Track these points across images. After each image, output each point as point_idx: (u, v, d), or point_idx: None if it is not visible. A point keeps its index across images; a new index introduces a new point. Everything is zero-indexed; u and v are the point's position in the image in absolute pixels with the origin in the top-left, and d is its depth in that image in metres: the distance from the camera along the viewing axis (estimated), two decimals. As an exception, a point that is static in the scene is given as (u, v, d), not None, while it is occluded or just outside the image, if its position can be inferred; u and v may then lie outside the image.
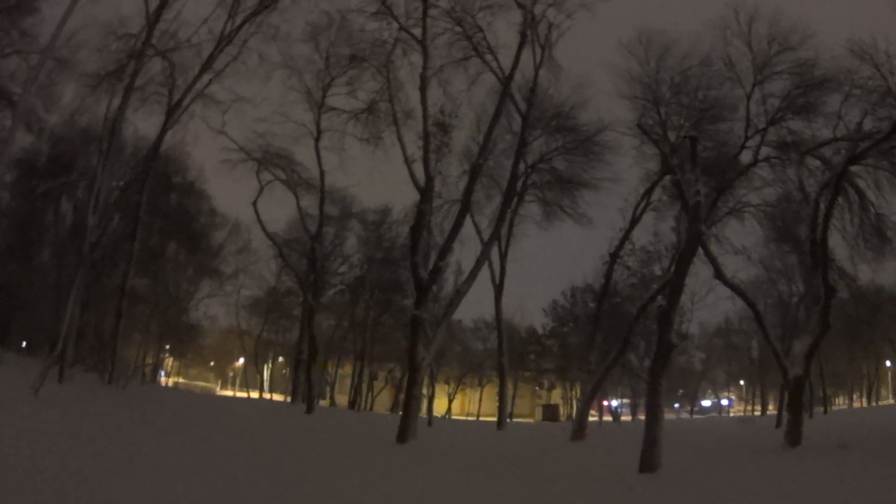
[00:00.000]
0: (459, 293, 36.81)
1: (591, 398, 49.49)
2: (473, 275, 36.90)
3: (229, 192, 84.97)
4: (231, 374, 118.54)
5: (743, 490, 19.60)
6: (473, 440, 39.59)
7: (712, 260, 37.89)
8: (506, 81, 37.45)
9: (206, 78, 46.69)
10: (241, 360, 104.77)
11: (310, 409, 51.48)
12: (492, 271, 56.37)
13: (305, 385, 55.47)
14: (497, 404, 57.32)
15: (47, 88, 44.71)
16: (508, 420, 63.91)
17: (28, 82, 33.33)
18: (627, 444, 25.01)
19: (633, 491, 19.49)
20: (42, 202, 51.46)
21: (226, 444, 23.96)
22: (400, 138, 37.01)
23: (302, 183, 57.30)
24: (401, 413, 32.95)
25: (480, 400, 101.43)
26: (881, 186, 38.77)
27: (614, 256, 48.35)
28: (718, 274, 37.91)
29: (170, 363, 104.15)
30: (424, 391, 67.00)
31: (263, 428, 33.68)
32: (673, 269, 31.49)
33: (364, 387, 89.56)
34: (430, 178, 35.14)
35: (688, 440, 40.87)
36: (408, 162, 35.57)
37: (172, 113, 46.74)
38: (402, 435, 30.81)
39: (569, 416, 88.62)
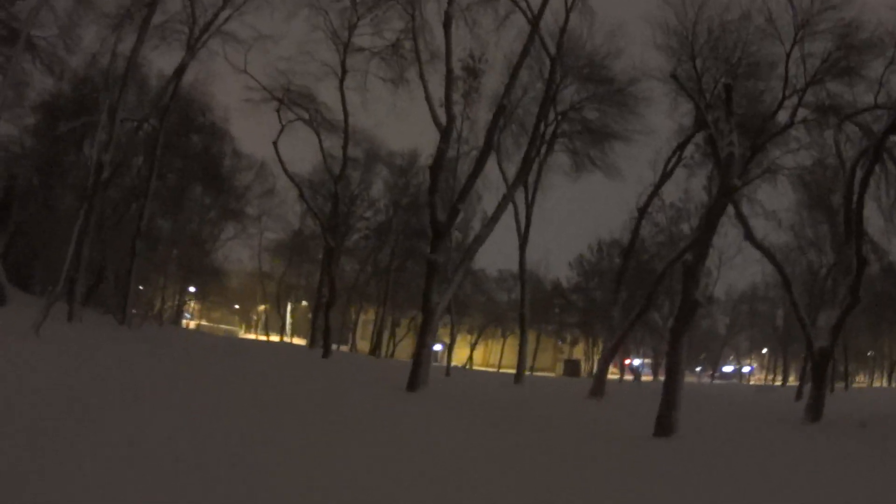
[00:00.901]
0: (479, 238, 35.87)
1: (611, 356, 48.96)
2: (494, 220, 35.86)
3: (254, 133, 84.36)
4: (254, 317, 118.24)
5: (759, 462, 18.61)
6: (488, 392, 38.69)
7: (743, 220, 36.97)
8: (534, 20, 36.01)
9: (225, 14, 46.56)
10: (265, 305, 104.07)
11: (326, 354, 50.82)
12: (517, 221, 55.42)
13: (323, 329, 54.63)
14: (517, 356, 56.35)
15: (69, 29, 43.73)
16: (529, 373, 63.37)
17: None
18: (645, 405, 24.12)
19: (645, 455, 18.51)
20: (64, 144, 50.80)
21: (225, 386, 23.25)
22: (422, 76, 35.80)
23: (325, 123, 56.50)
24: (412, 360, 32.08)
25: (502, 351, 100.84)
26: None
27: (643, 211, 47.40)
28: (748, 234, 37.00)
29: (192, 306, 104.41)
30: (446, 339, 66.97)
31: (271, 370, 32.86)
32: (701, 224, 30.29)
33: (386, 333, 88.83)
34: (451, 118, 34.06)
35: (706, 405, 40.00)
36: (429, 100, 34.32)
37: (192, 49, 46.36)
38: (413, 383, 30.02)
39: (590, 372, 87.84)
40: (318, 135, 56.18)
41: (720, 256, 53.74)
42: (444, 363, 60.04)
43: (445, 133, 33.60)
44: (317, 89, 54.74)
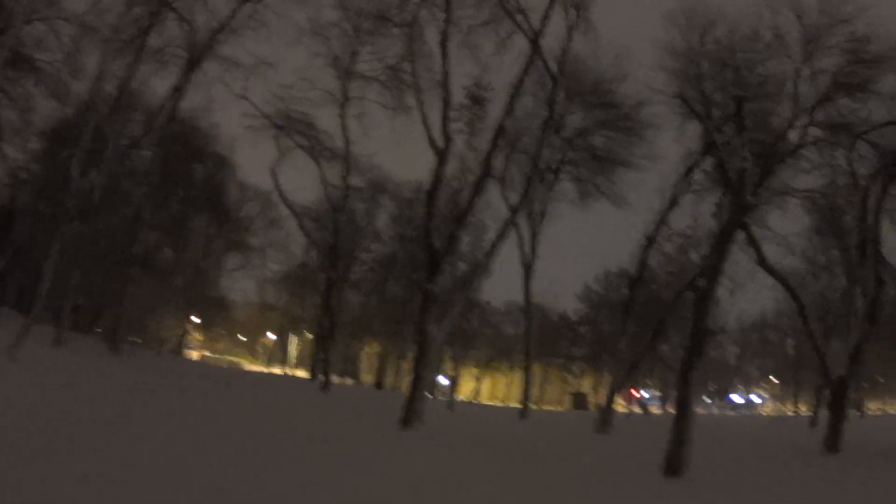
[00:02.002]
0: (479, 267, 35.20)
1: (619, 388, 47.47)
2: (495, 248, 34.79)
3: (260, 163, 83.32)
4: (259, 349, 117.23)
5: (778, 501, 17.26)
6: (489, 428, 37.49)
7: (755, 243, 35.52)
8: (535, 38, 34.85)
9: (223, 37, 45.54)
10: (270, 336, 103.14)
11: (325, 387, 49.83)
12: (522, 251, 53.91)
13: (323, 362, 53.34)
14: (531, 386, 55.28)
15: (73, 55, 42.87)
16: (535, 407, 62.24)
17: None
18: (654, 439, 22.50)
19: (655, 498, 17.10)
20: (67, 169, 50.34)
21: (215, 421, 22.15)
22: (419, 99, 34.61)
23: (325, 151, 55.27)
24: (407, 395, 30.48)
25: (509, 385, 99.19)
26: None
27: (651, 239, 45.97)
28: (761, 259, 35.57)
29: (196, 336, 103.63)
30: (452, 373, 65.92)
31: (260, 404, 31.57)
32: (713, 249, 28.78)
33: (391, 367, 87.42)
34: (448, 140, 32.78)
35: (718, 439, 38.67)
36: (426, 123, 33.15)
37: (189, 71, 45.50)
38: (408, 419, 28.39)
39: (598, 406, 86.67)
40: (317, 163, 55.09)
41: (731, 287, 52.12)
42: (447, 397, 58.62)
43: (442, 156, 32.47)
44: (317, 117, 53.70)
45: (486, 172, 33.65)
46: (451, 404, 55.12)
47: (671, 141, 46.36)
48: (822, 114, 37.59)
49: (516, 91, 33.99)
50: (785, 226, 43.14)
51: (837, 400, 32.98)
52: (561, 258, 76.71)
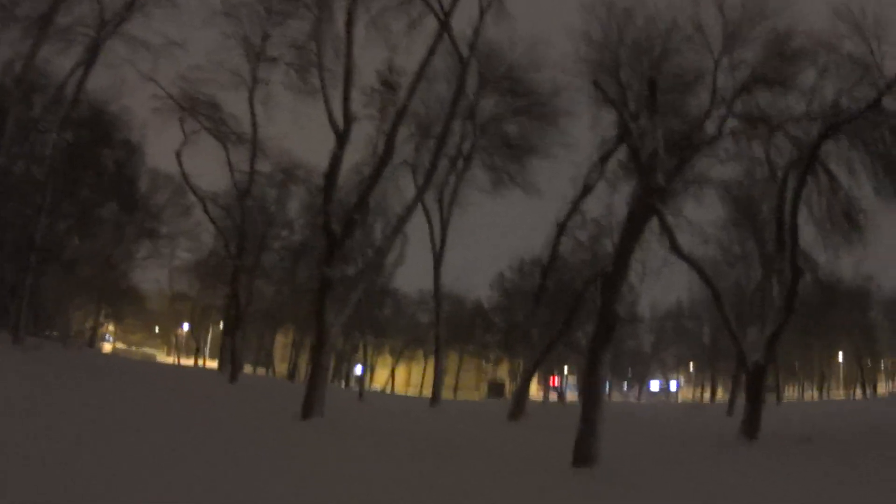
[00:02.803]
0: (380, 251, 35.19)
1: (530, 376, 47.12)
2: (396, 231, 34.63)
3: (171, 150, 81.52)
4: (174, 340, 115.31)
5: (694, 489, 16.66)
6: (396, 417, 36.85)
7: (668, 229, 35.06)
8: (444, 18, 34.13)
9: (131, 17, 44.65)
10: (186, 326, 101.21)
11: (233, 378, 48.53)
12: (432, 239, 53.54)
13: (231, 352, 52.14)
14: (446, 376, 54.65)
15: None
16: (450, 396, 61.58)
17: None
18: (567, 428, 21.61)
19: (562, 489, 16.23)
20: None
21: (104, 413, 20.90)
22: (322, 79, 33.37)
23: (231, 135, 53.76)
24: (306, 386, 29.41)
25: (424, 374, 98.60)
26: (854, 170, 36.65)
27: (562, 226, 45.40)
28: (674, 245, 35.09)
29: (109, 328, 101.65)
30: (365, 362, 64.95)
31: (162, 397, 30.28)
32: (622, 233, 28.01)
33: (305, 357, 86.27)
34: (348, 121, 31.61)
35: (634, 426, 38.47)
36: (328, 103, 32.00)
37: (94, 50, 44.37)
38: (307, 410, 27.41)
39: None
40: (224, 147, 53.50)
41: (643, 272, 52.01)
42: (356, 386, 57.67)
43: (342, 137, 31.45)
44: (225, 101, 52.25)
45: (388, 153, 32.50)
46: (362, 393, 53.98)
47: (586, 129, 46.09)
48: (741, 105, 37.80)
49: (422, 71, 33.12)
50: (701, 216, 43.28)
51: (754, 386, 32.77)
52: (476, 247, 76.13)
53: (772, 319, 34.31)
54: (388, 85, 46.27)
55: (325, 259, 30.91)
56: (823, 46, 33.57)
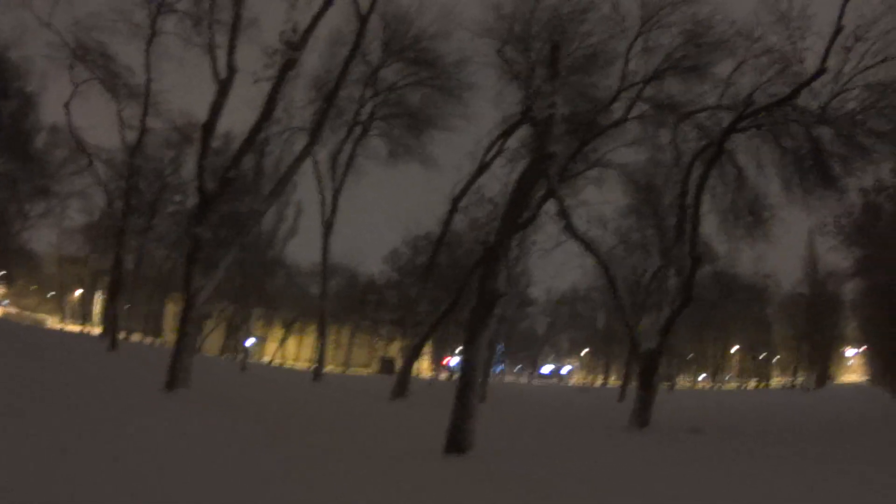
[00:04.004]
0: (256, 213, 33.23)
1: (415, 353, 45.83)
2: (276, 191, 33.12)
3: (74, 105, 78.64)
4: (67, 305, 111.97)
5: (576, 482, 15.40)
6: (270, 391, 35.27)
7: (563, 210, 34.15)
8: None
9: None
10: (80, 291, 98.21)
11: (113, 346, 46.21)
12: (323, 207, 52.19)
13: (112, 318, 49.97)
14: (337, 351, 53.44)
15: None
16: (341, 370, 60.41)
17: None
18: (449, 409, 20.37)
19: (425, 478, 14.72)
20: None
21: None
22: (211, 27, 31.64)
23: (123, 88, 50.92)
24: (172, 354, 27.25)
25: (315, 348, 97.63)
26: (763, 165, 37.19)
27: (456, 202, 44.38)
28: (568, 225, 34.30)
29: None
30: (258, 333, 63.38)
31: (28, 364, 28.25)
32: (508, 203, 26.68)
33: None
34: (232, 70, 29.90)
35: (520, 411, 37.78)
36: (212, 53, 30.38)
37: None
38: (172, 380, 25.66)
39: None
40: (116, 100, 50.81)
41: (531, 250, 51.54)
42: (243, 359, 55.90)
43: (223, 87, 29.75)
44: (125, 53, 49.97)
45: (269, 108, 30.50)
46: (244, 365, 52.26)
47: (488, 104, 45.24)
48: (652, 90, 37.77)
49: (314, 24, 31.28)
50: (602, 202, 42.93)
51: (646, 373, 31.90)
52: (373, 222, 75.20)
53: (667, 306, 33.72)
54: (290, 46, 44.54)
55: (196, 218, 29.53)
56: (745, 38, 33.21)
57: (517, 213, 21.03)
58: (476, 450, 17.58)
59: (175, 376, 25.73)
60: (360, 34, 35.28)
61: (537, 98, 23.06)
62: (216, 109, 29.65)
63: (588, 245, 35.58)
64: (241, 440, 17.27)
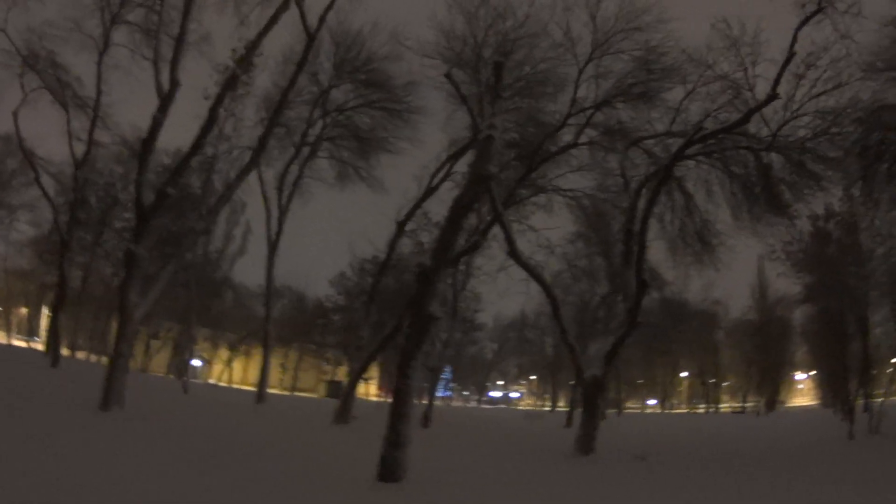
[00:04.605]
0: (194, 230, 33.73)
1: (358, 377, 44.92)
2: (216, 208, 33.19)
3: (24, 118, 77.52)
4: (14, 320, 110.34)
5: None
6: (209, 414, 34.65)
7: (507, 234, 33.92)
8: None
9: None
10: (26, 306, 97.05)
11: (55, 362, 45.41)
12: (269, 228, 51.55)
13: (54, 334, 49.10)
14: (283, 374, 52.91)
15: None
16: (287, 393, 59.72)
17: None
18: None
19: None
20: None
21: None
22: (157, 40, 31.67)
23: (75, 98, 49.92)
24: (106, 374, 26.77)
25: (260, 369, 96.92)
26: (713, 192, 37.36)
27: (401, 225, 44.01)
28: (512, 251, 33.98)
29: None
30: (204, 355, 62.59)
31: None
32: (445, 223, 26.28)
33: (142, 344, 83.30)
34: (174, 84, 29.31)
35: (465, 436, 37.55)
36: (156, 65, 30.06)
37: None
38: (106, 400, 25.15)
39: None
40: (66, 111, 49.71)
41: (471, 273, 51.36)
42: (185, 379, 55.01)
43: (165, 101, 29.19)
44: (77, 64, 49.09)
45: (210, 122, 30.14)
46: (187, 386, 51.45)
47: (437, 128, 45.17)
48: (602, 116, 37.89)
49: (259, 39, 31.06)
50: (550, 232, 43.01)
51: (591, 400, 31.69)
52: (322, 244, 74.65)
53: (613, 332, 33.98)
54: (242, 63, 44.22)
55: (133, 235, 28.92)
56: (696, 64, 33.31)
57: (453, 236, 20.57)
58: (411, 478, 17.19)
59: (109, 395, 25.23)
60: (308, 50, 34.85)
61: (481, 119, 22.93)
62: (157, 124, 29.07)
63: (532, 271, 35.42)
64: (168, 462, 16.82)
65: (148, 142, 29.11)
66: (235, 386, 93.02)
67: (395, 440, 17.24)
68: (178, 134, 31.00)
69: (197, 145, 30.01)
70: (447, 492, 17.23)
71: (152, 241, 30.93)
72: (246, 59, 31.24)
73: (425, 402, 48.67)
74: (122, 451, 17.59)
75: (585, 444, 30.03)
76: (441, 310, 18.75)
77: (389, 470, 16.99)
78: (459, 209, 19.64)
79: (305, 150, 51.04)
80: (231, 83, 30.83)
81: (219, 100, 30.04)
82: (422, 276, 18.68)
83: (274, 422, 35.84)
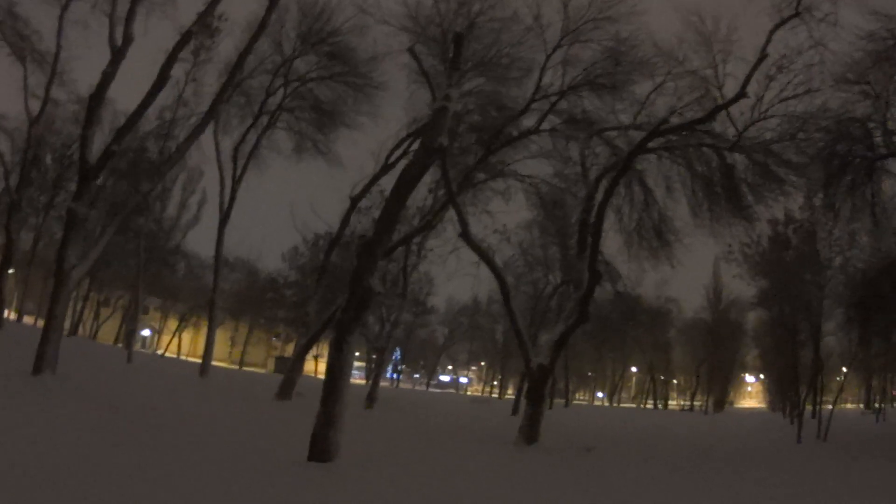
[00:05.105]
0: (139, 191, 32.97)
1: (304, 353, 44.76)
2: (164, 170, 33.29)
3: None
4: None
5: (439, 495, 14.84)
6: (149, 383, 34.05)
7: (460, 215, 33.47)
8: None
9: None
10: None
11: (-1, 327, 44.05)
12: (222, 196, 50.37)
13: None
14: (232, 348, 52.01)
15: None
16: (239, 368, 58.90)
17: None
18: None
19: (278, 487, 13.67)
20: None
21: None
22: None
23: (34, 54, 48.59)
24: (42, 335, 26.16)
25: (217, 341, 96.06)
26: (673, 188, 37.27)
27: (355, 201, 43.51)
28: (464, 232, 33.56)
29: None
30: (154, 324, 61.67)
31: None
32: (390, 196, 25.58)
33: (91, 310, 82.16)
34: (127, 40, 28.45)
35: (408, 419, 38.04)
36: (111, 18, 29.11)
37: None
38: (38, 364, 24.40)
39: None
40: (23, 64, 48.33)
41: (423, 255, 50.76)
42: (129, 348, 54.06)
43: (116, 56, 28.35)
44: (38, 16, 47.89)
45: (160, 80, 28.89)
46: (130, 355, 50.53)
47: (397, 107, 44.78)
48: (566, 104, 37.58)
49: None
50: (507, 218, 42.74)
51: (536, 389, 31.31)
52: (277, 218, 73.70)
53: (562, 320, 33.18)
54: (207, 28, 43.43)
55: (75, 192, 28.09)
56: (667, 57, 33.29)
57: (398, 208, 20.00)
58: (343, 459, 16.63)
59: (41, 360, 24.53)
60: (269, 13, 33.74)
61: (436, 91, 22.43)
62: (106, 79, 28.24)
63: (483, 254, 34.94)
64: (83, 430, 16.28)
65: (96, 97, 28.25)
66: (185, 358, 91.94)
67: (327, 419, 16.63)
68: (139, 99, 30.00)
69: (144, 104, 28.97)
70: (377, 474, 16.64)
71: (93, 199, 30.23)
72: (202, 18, 30.50)
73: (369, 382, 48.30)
74: (40, 416, 17.04)
75: (530, 433, 29.65)
76: (381, 285, 17.98)
77: (320, 449, 16.40)
78: (406, 181, 19.09)
79: (264, 120, 50.06)
80: (183, 42, 30.01)
81: (170, 59, 29.03)
82: (363, 248, 18.05)
83: (212, 396, 35.19)
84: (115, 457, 13.96)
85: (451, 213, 36.71)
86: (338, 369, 17.22)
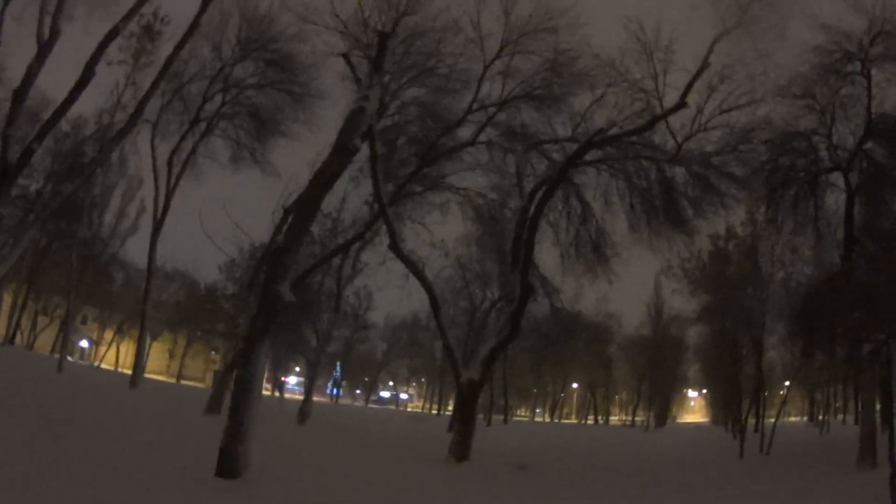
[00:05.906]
0: (60, 192, 32.98)
1: (234, 366, 43.39)
2: (89, 170, 33.23)
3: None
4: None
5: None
6: (76, 394, 33.79)
7: (389, 225, 32.88)
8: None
9: None
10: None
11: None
12: (155, 204, 49.78)
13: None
14: (170, 361, 51.10)
15: None
16: (177, 381, 57.90)
17: None
18: (265, 426, 18.81)
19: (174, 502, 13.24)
20: None
21: None
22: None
23: None
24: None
25: (148, 352, 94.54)
26: (611, 202, 37.19)
27: (288, 212, 42.87)
28: (394, 243, 32.82)
29: None
30: (92, 335, 60.47)
31: None
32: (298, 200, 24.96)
33: (28, 321, 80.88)
34: (54, 34, 27.82)
35: (339, 434, 38.09)
36: (42, 10, 28.24)
37: None
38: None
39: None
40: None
41: (356, 267, 50.31)
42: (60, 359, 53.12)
43: (43, 50, 27.71)
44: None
45: (86, 74, 28.28)
46: (61, 365, 49.69)
47: (338, 116, 44.09)
48: (504, 116, 37.26)
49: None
50: (443, 232, 42.43)
51: (466, 404, 30.90)
52: (217, 228, 72.46)
53: (494, 335, 32.75)
54: (147, 31, 42.90)
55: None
56: (608, 71, 33.12)
57: (309, 212, 19.46)
58: (252, 474, 16.08)
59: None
60: (201, 12, 33.23)
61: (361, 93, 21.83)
62: (30, 74, 27.64)
63: (412, 266, 34.38)
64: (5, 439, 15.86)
65: (19, 92, 27.64)
66: (122, 370, 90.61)
67: (235, 433, 16.08)
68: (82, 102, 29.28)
69: (68, 100, 28.47)
70: (286, 490, 16.14)
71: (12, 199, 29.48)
72: (131, 14, 29.86)
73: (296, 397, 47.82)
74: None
75: (460, 450, 29.00)
76: (291, 293, 17.26)
77: (228, 464, 15.85)
78: (319, 184, 18.60)
79: (202, 127, 49.43)
80: (110, 37, 29.29)
81: (94, 56, 28.43)
82: (271, 255, 17.58)
83: (142, 407, 34.62)
84: (33, 463, 13.93)
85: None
86: (246, 381, 16.72)
